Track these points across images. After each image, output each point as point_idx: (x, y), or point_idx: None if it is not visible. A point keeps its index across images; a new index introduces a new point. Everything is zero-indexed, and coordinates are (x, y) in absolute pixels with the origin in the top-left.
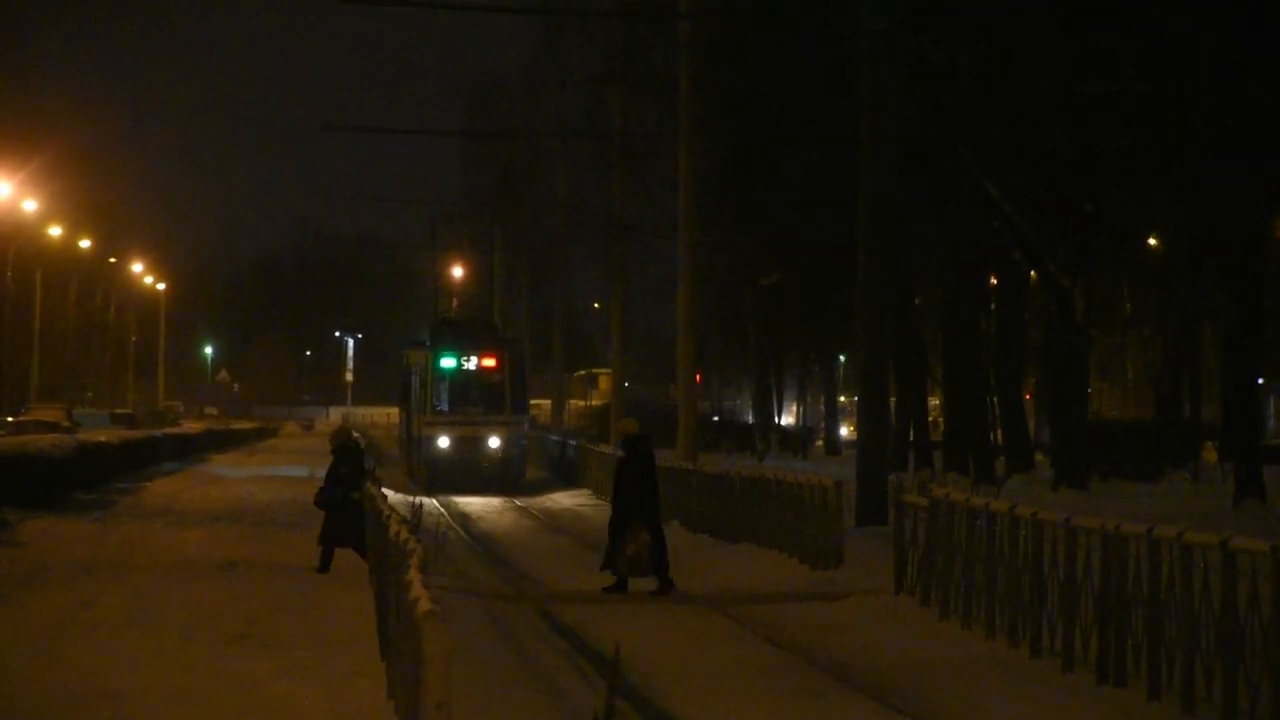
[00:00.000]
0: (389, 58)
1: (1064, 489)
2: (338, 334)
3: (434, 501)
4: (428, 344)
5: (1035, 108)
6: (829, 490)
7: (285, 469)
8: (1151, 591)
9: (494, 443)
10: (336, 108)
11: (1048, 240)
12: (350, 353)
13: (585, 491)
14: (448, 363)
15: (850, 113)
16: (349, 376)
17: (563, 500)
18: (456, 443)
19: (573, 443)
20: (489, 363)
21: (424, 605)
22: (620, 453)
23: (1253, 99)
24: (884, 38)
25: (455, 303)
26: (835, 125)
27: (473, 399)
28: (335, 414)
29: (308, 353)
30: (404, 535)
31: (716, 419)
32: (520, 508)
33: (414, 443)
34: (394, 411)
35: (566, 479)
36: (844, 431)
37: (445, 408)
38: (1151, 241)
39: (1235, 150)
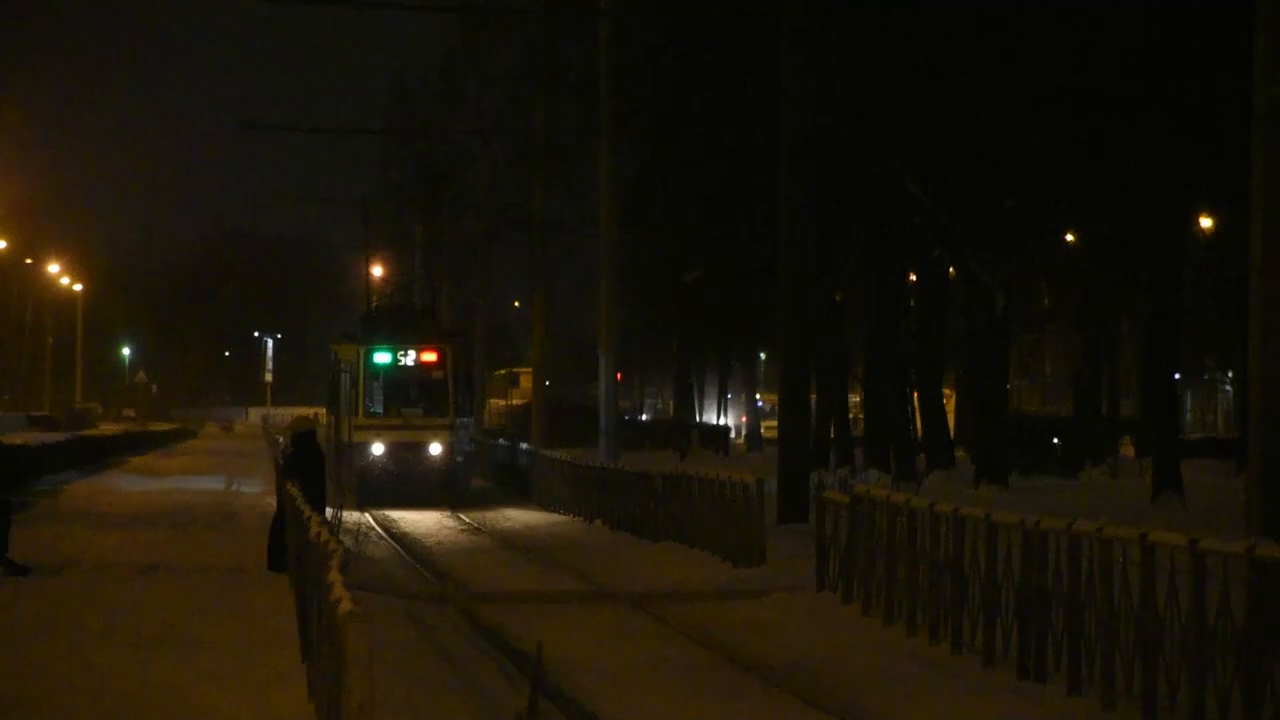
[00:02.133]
0: (311, 56)
1: (984, 485)
2: (256, 334)
3: (366, 518)
4: (359, 337)
5: (955, 104)
6: (750, 488)
7: (203, 480)
8: (1071, 587)
9: (435, 449)
10: (258, 106)
11: (968, 237)
12: (269, 353)
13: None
14: (382, 358)
15: (772, 109)
16: (268, 377)
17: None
18: (392, 449)
19: (525, 448)
20: (429, 358)
21: (345, 606)
22: (289, 449)
23: (1171, 96)
24: (805, 34)
25: (382, 295)
26: (756, 122)
27: (411, 399)
28: (255, 414)
29: (226, 353)
30: (324, 537)
31: (645, 418)
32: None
33: (343, 449)
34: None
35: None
36: (764, 428)
37: (379, 409)
38: (1070, 238)
39: (1153, 147)
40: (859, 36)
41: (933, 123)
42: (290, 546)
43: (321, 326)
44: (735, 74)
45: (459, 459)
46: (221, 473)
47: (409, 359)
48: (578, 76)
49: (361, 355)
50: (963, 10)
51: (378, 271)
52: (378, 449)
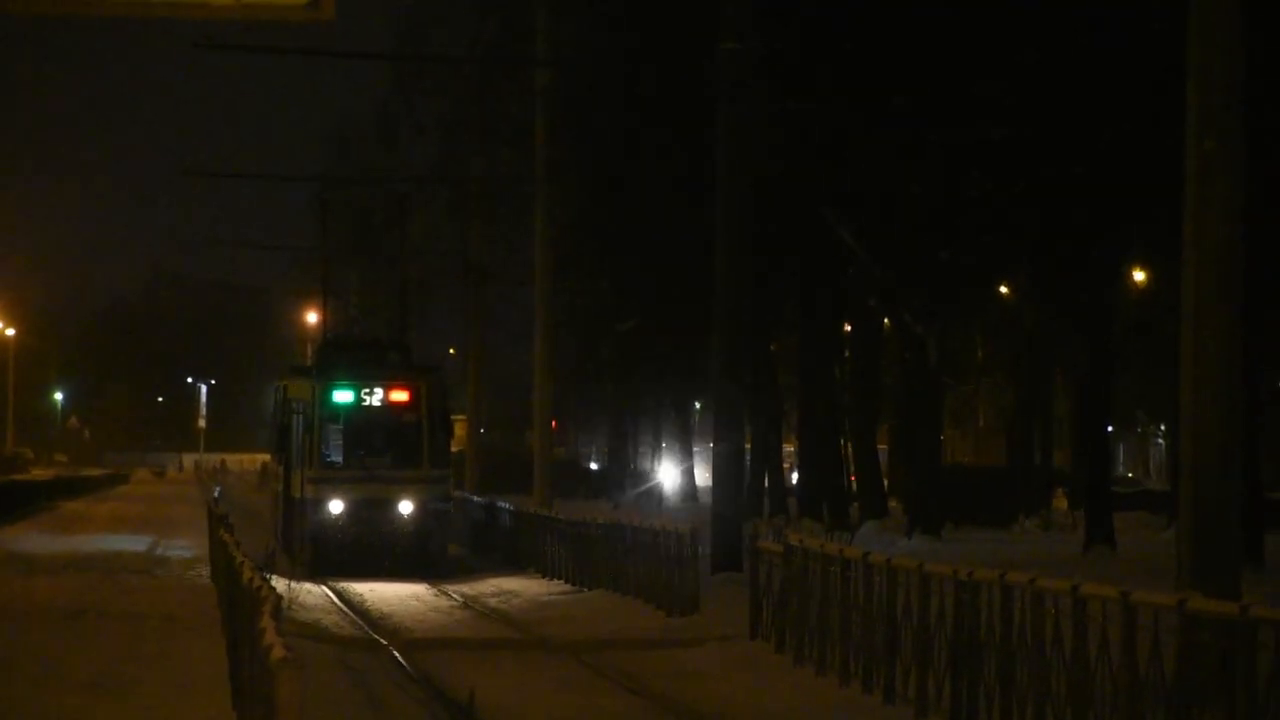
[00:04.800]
0: (248, 104)
1: (917, 535)
2: (190, 380)
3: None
4: (314, 371)
5: (889, 157)
6: (684, 537)
7: (124, 539)
8: (1004, 637)
9: (406, 508)
10: (193, 153)
11: (903, 287)
12: (203, 399)
13: (539, 574)
14: (342, 396)
15: (707, 159)
16: (201, 423)
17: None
18: (354, 508)
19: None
20: (400, 396)
21: (277, 652)
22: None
23: (1102, 151)
24: (740, 86)
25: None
26: (691, 171)
27: (377, 447)
28: (188, 460)
29: (160, 399)
30: (256, 582)
31: (594, 467)
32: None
33: (293, 507)
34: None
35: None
36: (699, 477)
37: (338, 459)
38: (1004, 290)
39: (1085, 200)
40: (794, 89)
41: (866, 174)
42: (222, 592)
43: (255, 372)
44: (671, 125)
45: (434, 519)
46: (147, 531)
47: (375, 398)
48: (513, 125)
49: (317, 393)
50: (896, 66)
51: (312, 318)
52: (336, 506)
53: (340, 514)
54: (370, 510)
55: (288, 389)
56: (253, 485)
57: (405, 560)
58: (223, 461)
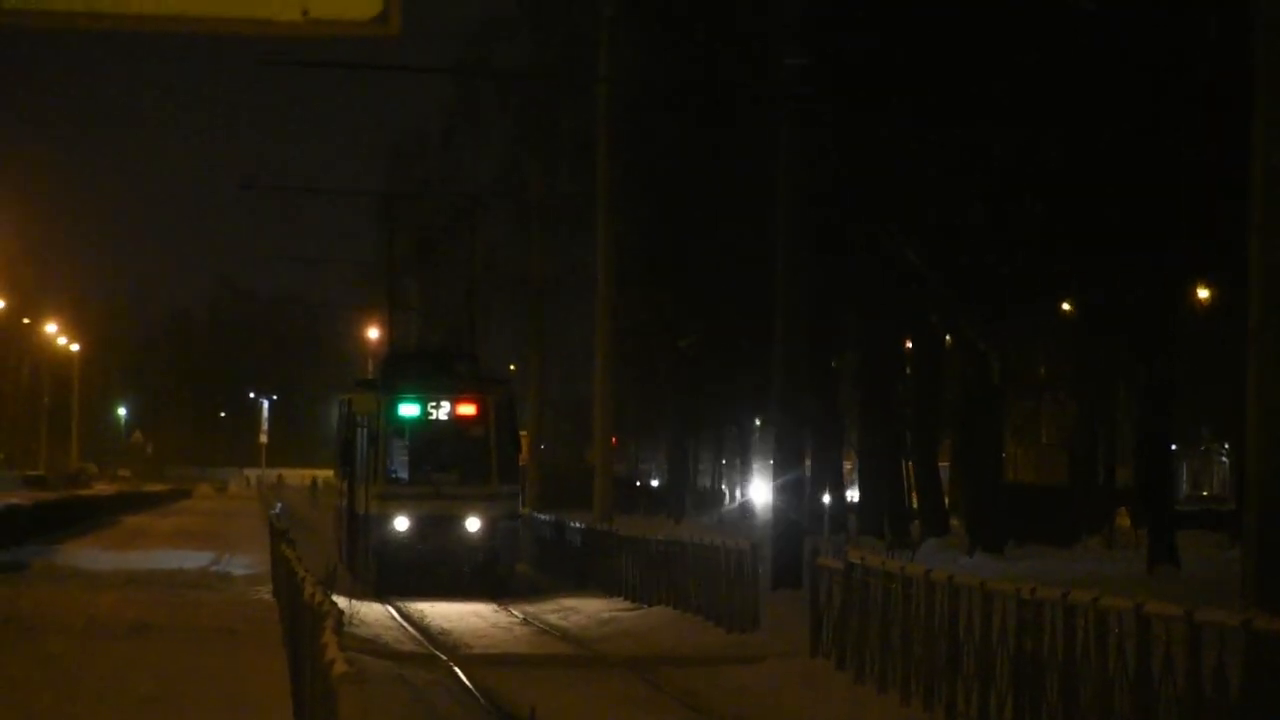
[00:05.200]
0: (311, 118)
1: (979, 553)
2: (252, 395)
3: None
4: (380, 384)
5: (952, 175)
6: (744, 554)
7: (186, 555)
8: (1066, 656)
9: (474, 525)
10: (258, 167)
11: (964, 304)
12: (265, 414)
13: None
14: (408, 410)
15: (770, 176)
16: (263, 438)
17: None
18: (420, 525)
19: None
20: (468, 410)
21: (339, 668)
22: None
23: (1167, 166)
24: (802, 102)
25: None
26: (754, 188)
27: (444, 463)
28: (251, 475)
29: (222, 414)
30: (319, 598)
31: (639, 484)
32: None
33: (358, 523)
34: (315, 474)
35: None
36: (760, 493)
37: (404, 475)
38: (1066, 306)
39: (1149, 218)
40: (857, 105)
41: (929, 191)
42: (284, 608)
43: (317, 388)
44: (734, 140)
45: (503, 537)
46: (209, 546)
47: (442, 411)
48: (575, 139)
49: (383, 407)
50: (960, 87)
51: (374, 334)
52: (402, 524)
53: (406, 531)
54: (437, 527)
55: (352, 403)
56: (309, 500)
57: (472, 579)
58: (280, 476)
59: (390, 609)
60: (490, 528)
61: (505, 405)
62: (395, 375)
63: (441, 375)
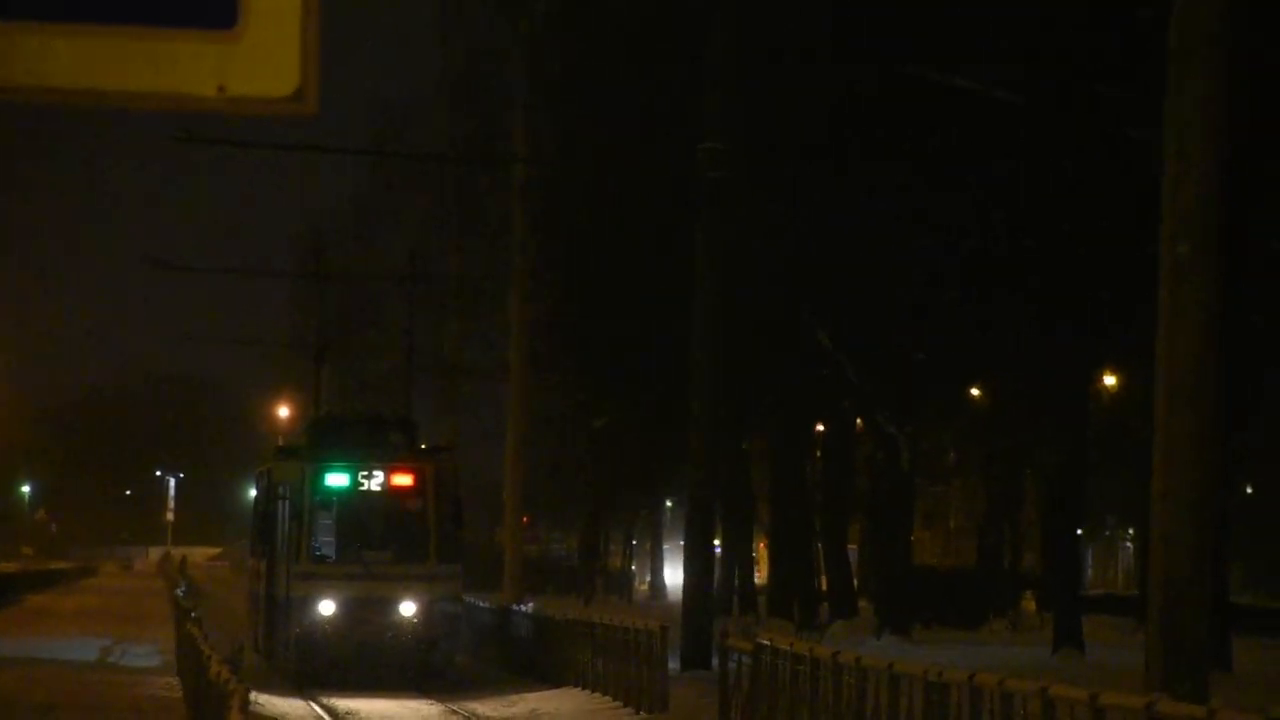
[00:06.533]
0: (223, 197)
1: (887, 636)
2: (159, 473)
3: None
4: (304, 452)
5: (866, 265)
6: (655, 634)
7: (88, 640)
8: None
9: (409, 609)
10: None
11: (876, 390)
12: (171, 492)
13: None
14: (336, 480)
15: (686, 259)
16: (170, 516)
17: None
18: (348, 608)
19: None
20: (404, 480)
21: None
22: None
23: (1072, 266)
24: (719, 187)
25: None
26: (670, 273)
27: (376, 539)
28: (155, 553)
29: (127, 491)
30: (224, 675)
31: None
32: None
33: (277, 606)
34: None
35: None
36: (671, 574)
37: (330, 553)
38: (976, 392)
39: (1058, 309)
40: (774, 194)
41: (843, 280)
42: (187, 687)
43: (226, 466)
44: (647, 224)
45: (442, 623)
46: (114, 626)
47: (375, 482)
48: (490, 221)
49: (307, 476)
50: (875, 177)
51: (284, 413)
52: (327, 607)
53: (332, 615)
54: (367, 611)
55: (273, 472)
56: (207, 579)
57: (406, 670)
58: (184, 558)
59: (313, 705)
60: (428, 612)
61: (447, 476)
62: (322, 441)
63: (375, 441)
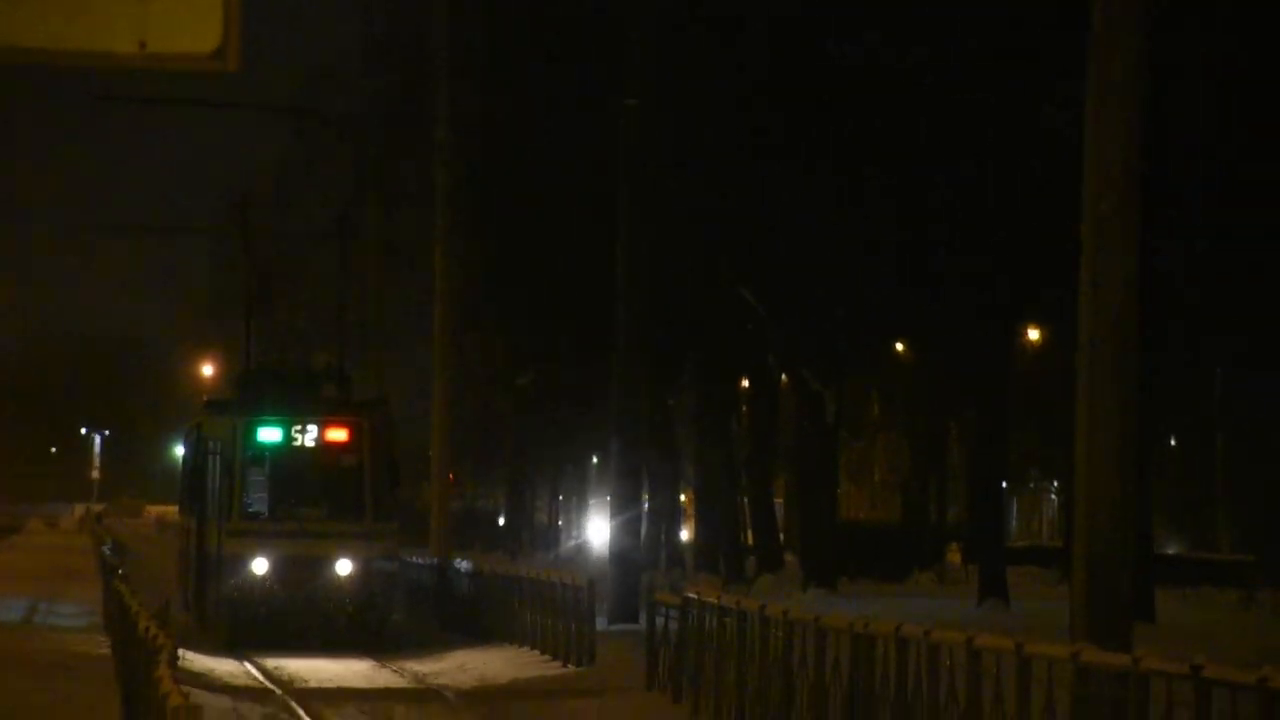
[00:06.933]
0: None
1: (813, 589)
2: (84, 430)
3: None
4: (235, 407)
5: (789, 218)
6: (582, 589)
7: (14, 598)
8: (899, 689)
9: (345, 568)
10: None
11: (800, 346)
12: (97, 449)
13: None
14: (269, 435)
15: (608, 216)
16: (95, 473)
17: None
18: (281, 566)
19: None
20: (338, 435)
21: (174, 700)
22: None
23: (1000, 214)
24: (641, 147)
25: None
26: (593, 230)
27: (310, 496)
28: (80, 510)
29: (53, 449)
30: (153, 631)
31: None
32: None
33: (208, 565)
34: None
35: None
36: (598, 530)
37: (263, 510)
38: (900, 347)
39: (982, 261)
40: (696, 154)
41: (765, 233)
42: (115, 643)
43: (152, 425)
44: (570, 183)
45: (378, 581)
46: (41, 582)
47: (309, 436)
48: (413, 184)
49: (239, 431)
50: (797, 130)
51: (208, 371)
52: (260, 566)
53: (265, 574)
54: (301, 570)
55: (202, 426)
56: (142, 535)
57: (342, 630)
58: (101, 511)
59: (245, 664)
60: (363, 570)
61: (382, 430)
62: (254, 395)
63: (308, 395)
